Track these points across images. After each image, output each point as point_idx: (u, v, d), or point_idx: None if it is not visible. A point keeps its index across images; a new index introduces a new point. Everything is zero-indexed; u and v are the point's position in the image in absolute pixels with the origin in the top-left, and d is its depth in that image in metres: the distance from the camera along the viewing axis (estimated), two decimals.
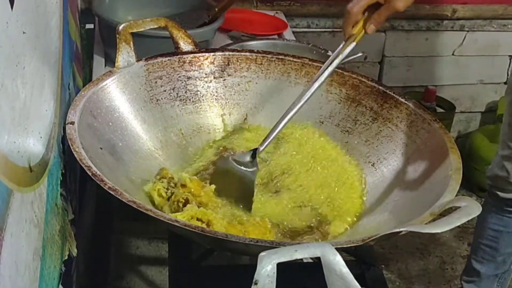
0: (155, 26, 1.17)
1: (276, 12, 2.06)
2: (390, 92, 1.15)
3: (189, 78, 1.19)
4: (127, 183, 0.98)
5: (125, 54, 1.12)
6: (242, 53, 1.22)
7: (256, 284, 0.64)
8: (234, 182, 1.02)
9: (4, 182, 0.64)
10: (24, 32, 0.76)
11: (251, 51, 1.24)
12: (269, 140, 1.02)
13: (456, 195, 0.89)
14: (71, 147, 0.90)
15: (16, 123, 0.72)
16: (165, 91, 1.16)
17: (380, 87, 1.16)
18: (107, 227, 1.83)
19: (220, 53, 1.22)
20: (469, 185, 2.48)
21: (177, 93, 1.18)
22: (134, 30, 1.13)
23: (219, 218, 0.94)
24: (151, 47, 1.20)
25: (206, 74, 1.20)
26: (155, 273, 2.01)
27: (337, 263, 0.66)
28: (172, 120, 1.16)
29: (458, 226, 0.79)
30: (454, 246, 2.27)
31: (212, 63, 1.21)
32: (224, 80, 1.21)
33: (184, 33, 1.19)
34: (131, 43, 1.12)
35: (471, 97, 2.63)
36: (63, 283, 0.93)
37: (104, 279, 1.78)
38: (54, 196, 0.93)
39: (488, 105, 2.67)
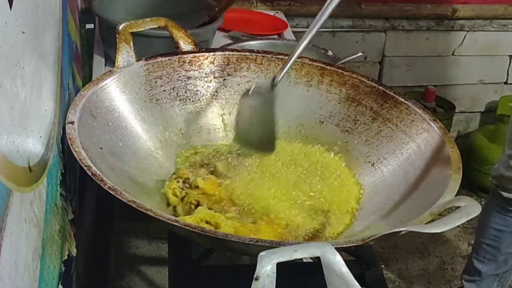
0: (155, 26, 1.17)
1: (276, 12, 2.07)
2: (390, 92, 1.15)
3: (189, 78, 1.19)
4: (127, 182, 0.98)
5: (125, 54, 1.11)
6: (242, 53, 1.22)
7: (257, 280, 0.64)
8: (255, 114, 1.03)
9: (4, 182, 0.64)
10: (23, 32, 0.76)
11: (251, 51, 1.24)
12: (286, 69, 1.04)
13: (456, 195, 0.89)
14: (71, 147, 0.90)
15: (16, 123, 0.72)
16: (165, 91, 1.16)
17: (380, 87, 1.16)
18: (107, 227, 1.83)
19: (220, 53, 1.22)
20: (469, 185, 2.48)
21: (177, 93, 1.18)
22: (134, 30, 1.13)
23: (228, 220, 0.95)
24: (151, 47, 1.20)
25: (206, 74, 1.20)
26: (155, 273, 2.01)
27: (337, 263, 0.66)
28: (172, 120, 1.16)
29: (458, 226, 0.79)
30: (454, 246, 2.27)
31: (212, 63, 1.21)
32: (224, 80, 1.21)
33: (184, 33, 1.19)
34: (131, 43, 1.12)
35: (471, 97, 2.63)
36: (62, 283, 0.93)
37: (104, 279, 1.77)
38: (54, 196, 0.93)
39: (488, 105, 2.67)
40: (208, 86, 1.20)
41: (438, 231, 0.76)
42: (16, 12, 0.72)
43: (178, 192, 1.02)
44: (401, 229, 0.79)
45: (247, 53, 1.22)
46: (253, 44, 1.57)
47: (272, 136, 1.04)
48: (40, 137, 0.86)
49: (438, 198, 0.88)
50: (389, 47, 2.38)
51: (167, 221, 0.81)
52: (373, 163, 1.11)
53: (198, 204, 0.99)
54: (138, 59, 1.14)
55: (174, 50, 1.19)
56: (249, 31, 1.80)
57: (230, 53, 1.22)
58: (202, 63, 1.20)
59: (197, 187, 1.03)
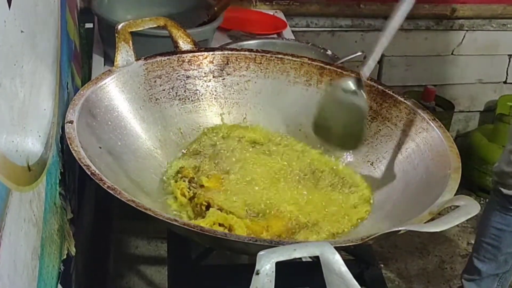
0: (154, 25, 1.17)
1: (275, 11, 2.06)
2: (389, 92, 1.15)
3: (188, 77, 1.19)
4: (126, 182, 0.98)
5: (124, 53, 1.11)
6: (241, 52, 1.22)
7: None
8: (341, 113, 1.03)
9: (3, 181, 0.64)
10: (22, 31, 0.76)
11: (250, 50, 1.24)
12: (370, 60, 1.04)
13: (455, 194, 0.89)
14: (70, 146, 0.90)
15: (15, 122, 0.72)
16: (164, 90, 1.16)
17: (379, 86, 1.16)
18: (106, 226, 1.83)
19: (219, 52, 1.22)
20: (468, 185, 2.48)
21: (176, 92, 1.18)
22: (133, 29, 1.13)
23: (240, 221, 0.95)
24: (150, 46, 1.20)
25: (205, 73, 1.20)
26: (154, 272, 2.01)
27: (336, 262, 0.66)
28: (171, 119, 1.16)
29: (457, 225, 0.79)
30: (453, 246, 2.27)
31: (211, 62, 1.21)
32: (223, 79, 1.21)
33: (183, 32, 1.19)
34: (130, 42, 1.12)
35: (470, 96, 2.63)
36: (62, 282, 0.93)
37: (103, 278, 1.77)
38: (53, 195, 0.93)
39: (487, 104, 2.67)
40: (207, 85, 1.20)
41: (437, 230, 0.76)
42: (15, 12, 0.72)
43: (186, 192, 1.02)
44: (400, 228, 0.79)
45: (246, 53, 1.22)
46: (252, 43, 1.57)
47: (359, 135, 1.05)
48: (39, 136, 0.86)
49: (437, 198, 0.88)
50: (388, 46, 2.37)
51: (166, 220, 0.81)
52: (372, 163, 1.11)
53: (208, 205, 0.99)
54: (137, 59, 1.13)
55: (173, 49, 1.19)
56: (248, 30, 1.80)
57: (229, 52, 1.22)
58: (201, 63, 1.20)
59: (201, 186, 1.03)
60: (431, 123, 1.07)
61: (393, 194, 1.03)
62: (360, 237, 0.82)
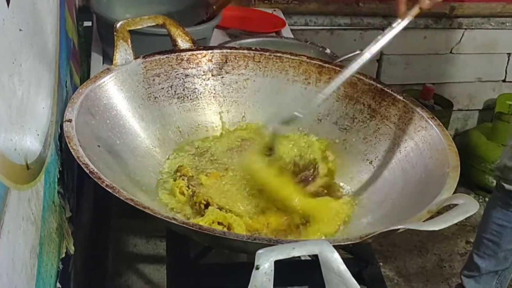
0: (153, 24, 1.17)
1: (274, 10, 2.06)
2: (388, 90, 1.15)
3: (187, 75, 1.19)
4: (125, 180, 0.98)
5: (123, 52, 1.11)
6: (240, 51, 1.22)
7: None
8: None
9: (1, 180, 0.64)
10: (20, 29, 0.76)
11: (249, 48, 1.24)
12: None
13: (454, 193, 0.89)
14: (69, 145, 0.90)
15: (13, 121, 0.72)
16: (163, 88, 1.16)
17: (378, 85, 1.16)
18: (105, 224, 1.83)
19: (218, 51, 1.22)
20: (467, 183, 2.48)
21: (175, 91, 1.18)
22: (132, 28, 1.13)
23: (239, 219, 0.96)
24: (149, 44, 1.20)
25: (204, 72, 1.20)
26: (153, 271, 2.01)
27: (334, 260, 0.66)
28: (170, 118, 1.16)
29: (456, 224, 0.79)
30: (452, 244, 2.27)
31: (210, 60, 1.21)
32: (222, 77, 1.21)
33: (182, 31, 1.19)
34: (129, 40, 1.11)
35: (469, 95, 2.63)
36: (60, 281, 0.93)
37: (101, 276, 1.77)
38: (51, 193, 0.93)
39: (486, 103, 2.67)
40: (206, 84, 1.20)
41: (436, 228, 0.76)
42: (14, 10, 0.72)
43: (185, 191, 1.02)
44: (399, 226, 0.79)
45: (245, 51, 1.22)
46: (251, 42, 1.57)
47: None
48: (38, 135, 0.86)
49: (436, 196, 0.88)
50: (387, 45, 2.37)
51: (165, 219, 0.81)
52: (371, 161, 1.11)
53: (207, 204, 0.99)
54: (136, 57, 1.13)
55: (172, 48, 1.19)
56: (247, 29, 1.80)
57: (228, 51, 1.22)
58: (200, 61, 1.20)
59: (201, 184, 1.03)
60: (430, 122, 1.07)
61: (392, 193, 1.03)
62: (359, 235, 0.81)
